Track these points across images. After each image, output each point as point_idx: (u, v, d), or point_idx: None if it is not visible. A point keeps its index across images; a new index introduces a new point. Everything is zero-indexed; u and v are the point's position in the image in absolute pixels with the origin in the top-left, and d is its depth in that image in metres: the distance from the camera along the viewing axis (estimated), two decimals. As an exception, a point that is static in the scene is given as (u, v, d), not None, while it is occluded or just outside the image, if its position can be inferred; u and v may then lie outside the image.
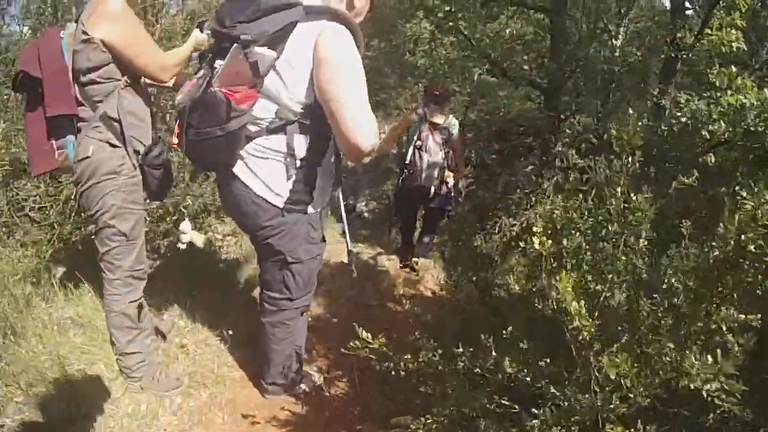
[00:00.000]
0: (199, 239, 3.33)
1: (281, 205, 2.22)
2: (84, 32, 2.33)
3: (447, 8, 6.49)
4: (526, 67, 7.70)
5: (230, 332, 3.30)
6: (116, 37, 2.32)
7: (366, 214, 9.25)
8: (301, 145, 2.15)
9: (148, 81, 2.59)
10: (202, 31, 2.67)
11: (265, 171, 2.18)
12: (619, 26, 7.01)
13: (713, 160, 5.26)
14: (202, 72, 2.12)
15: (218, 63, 2.07)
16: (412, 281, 4.67)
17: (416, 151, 4.62)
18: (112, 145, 2.45)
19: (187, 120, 2.10)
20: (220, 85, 2.01)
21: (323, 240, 2.51)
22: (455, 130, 4.73)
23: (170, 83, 2.63)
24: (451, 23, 6.72)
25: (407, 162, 4.68)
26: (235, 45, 1.96)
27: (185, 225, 3.23)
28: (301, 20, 1.97)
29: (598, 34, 6.69)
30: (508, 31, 7.79)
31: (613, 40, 6.88)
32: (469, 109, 8.67)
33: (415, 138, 4.61)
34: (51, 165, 2.48)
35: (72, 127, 2.44)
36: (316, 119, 2.09)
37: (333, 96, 1.97)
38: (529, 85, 7.00)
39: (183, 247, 3.26)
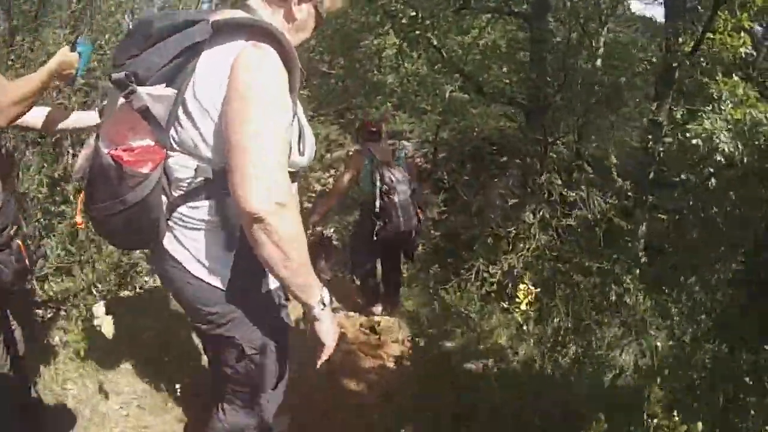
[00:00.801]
0: (109, 328, 2.80)
1: (223, 287, 1.66)
2: None
3: (413, 13, 5.83)
4: (506, 81, 7.08)
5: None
6: None
7: (336, 242, 8.58)
8: (233, 209, 1.53)
9: None
10: (74, 49, 1.94)
11: (198, 244, 1.65)
12: (599, 35, 6.40)
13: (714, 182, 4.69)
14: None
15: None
16: (372, 346, 3.91)
17: (384, 196, 4.23)
18: None
19: (86, 194, 1.61)
20: (109, 145, 1.51)
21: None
22: (404, 153, 4.56)
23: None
24: (418, 33, 6.12)
25: (378, 211, 4.24)
26: (111, 89, 1.48)
27: (98, 308, 2.75)
28: (208, 41, 1.46)
29: (582, 44, 6.07)
30: (482, 42, 7.18)
31: (596, 50, 6.28)
32: (441, 128, 8.15)
33: (378, 183, 4.22)
34: None
35: None
36: None
37: (231, 134, 1.43)
38: (508, 102, 6.36)
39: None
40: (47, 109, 2.21)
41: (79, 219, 1.74)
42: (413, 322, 4.29)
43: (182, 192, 1.60)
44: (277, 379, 1.91)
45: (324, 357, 1.66)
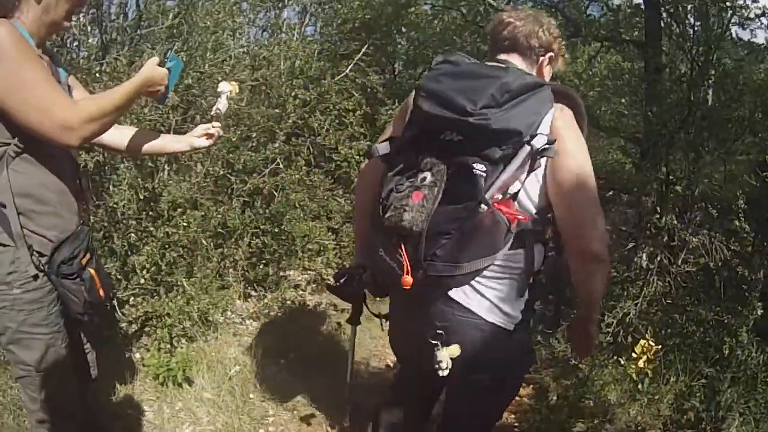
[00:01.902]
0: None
1: (512, 331, 1.72)
2: None
3: None
4: (622, 113, 6.60)
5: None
6: None
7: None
8: (540, 256, 1.72)
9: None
10: (164, 63, 1.81)
11: (500, 292, 1.69)
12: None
13: None
14: (425, 176, 1.51)
15: (429, 161, 1.51)
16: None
17: None
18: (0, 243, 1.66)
19: (424, 249, 1.50)
20: (494, 200, 1.52)
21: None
22: None
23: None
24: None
25: None
26: (526, 148, 1.50)
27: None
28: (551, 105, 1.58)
29: (705, 74, 5.51)
30: (593, 71, 6.75)
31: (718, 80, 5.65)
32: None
33: None
34: None
35: None
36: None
37: (576, 189, 1.59)
38: (624, 137, 5.89)
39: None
40: (132, 129, 2.12)
41: (408, 280, 1.52)
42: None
43: None
44: None
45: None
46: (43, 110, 1.58)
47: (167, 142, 2.17)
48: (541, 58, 1.77)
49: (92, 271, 1.85)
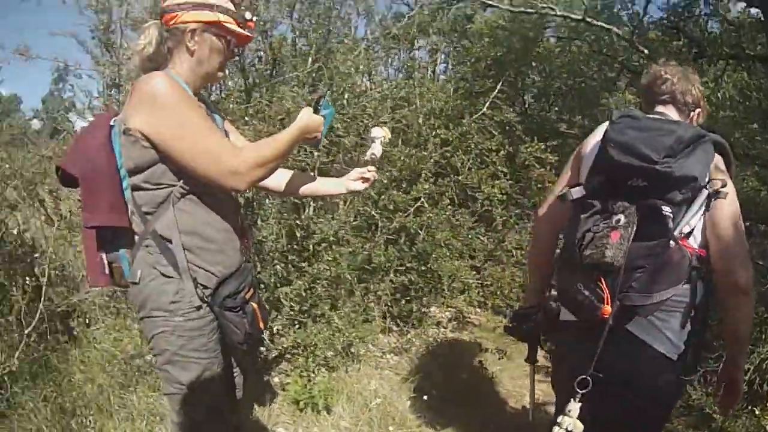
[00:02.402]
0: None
1: (675, 358, 1.84)
2: (123, 121, 1.71)
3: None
4: (758, 138, 6.10)
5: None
6: (157, 127, 1.67)
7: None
8: (701, 292, 1.85)
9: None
10: (317, 110, 1.88)
11: (669, 324, 1.83)
12: None
13: None
14: (618, 218, 1.73)
15: (621, 204, 1.73)
16: None
17: None
18: (165, 275, 1.77)
19: (621, 282, 1.72)
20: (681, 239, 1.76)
21: None
22: None
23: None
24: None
25: None
26: (704, 192, 1.75)
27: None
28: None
29: None
30: (720, 94, 6.30)
31: None
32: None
33: None
34: (102, 281, 1.89)
35: (126, 239, 1.84)
36: None
37: (733, 229, 1.78)
38: (758, 164, 5.45)
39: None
40: (289, 172, 2.20)
41: (609, 308, 1.71)
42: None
43: None
44: None
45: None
46: (209, 156, 1.68)
47: (324, 185, 2.24)
48: (692, 113, 1.99)
49: (254, 305, 1.94)
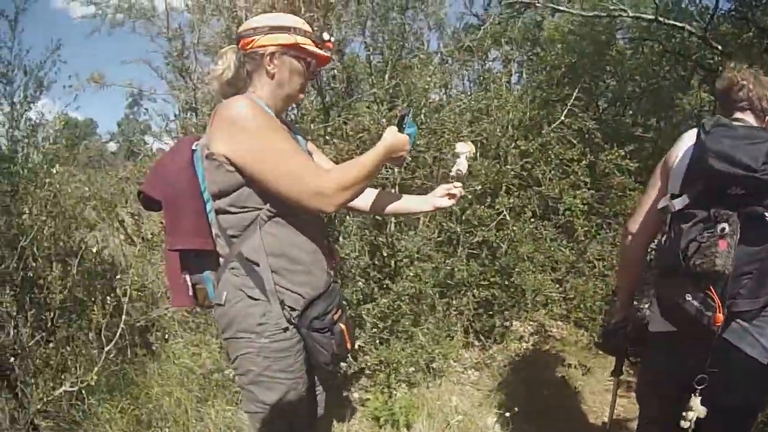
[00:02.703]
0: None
1: (765, 362, 1.86)
2: (206, 146, 1.73)
3: (732, 64, 5.08)
4: None
5: None
6: (240, 151, 1.67)
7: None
8: None
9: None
10: (402, 129, 1.86)
11: (759, 327, 1.86)
12: None
13: None
14: (723, 227, 1.75)
15: (724, 213, 1.75)
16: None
17: None
18: (251, 297, 1.78)
19: (729, 289, 1.78)
20: None
21: None
22: None
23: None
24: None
25: None
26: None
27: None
28: None
29: None
30: None
31: None
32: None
33: None
34: (186, 302, 1.91)
35: (210, 261, 1.86)
36: None
37: None
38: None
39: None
40: (374, 191, 2.18)
41: (721, 316, 1.74)
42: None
43: None
44: None
45: None
46: (295, 178, 1.67)
47: (410, 203, 2.21)
48: (767, 117, 1.99)
49: (342, 326, 1.92)
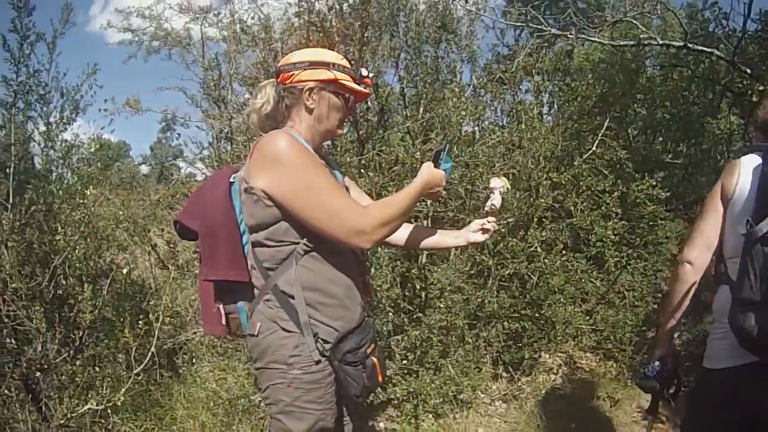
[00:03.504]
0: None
1: None
2: (245, 179, 1.76)
3: (761, 88, 5.07)
4: None
5: None
6: (281, 186, 1.69)
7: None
8: None
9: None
10: (438, 164, 1.89)
11: None
12: None
13: None
14: None
15: None
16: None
17: None
18: (285, 329, 1.79)
19: None
20: None
21: None
22: None
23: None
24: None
25: None
26: None
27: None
28: None
29: None
30: None
31: None
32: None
33: None
34: (218, 330, 1.93)
35: (244, 292, 1.88)
36: None
37: None
38: None
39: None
40: (410, 226, 2.19)
41: None
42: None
43: None
44: None
45: None
46: (334, 215, 1.68)
47: (445, 238, 2.21)
48: None
49: (375, 359, 1.90)
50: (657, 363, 2.20)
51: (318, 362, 1.80)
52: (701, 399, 2.17)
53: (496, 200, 2.11)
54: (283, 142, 1.69)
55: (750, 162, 1.92)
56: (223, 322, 1.91)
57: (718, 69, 5.81)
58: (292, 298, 1.78)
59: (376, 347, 1.96)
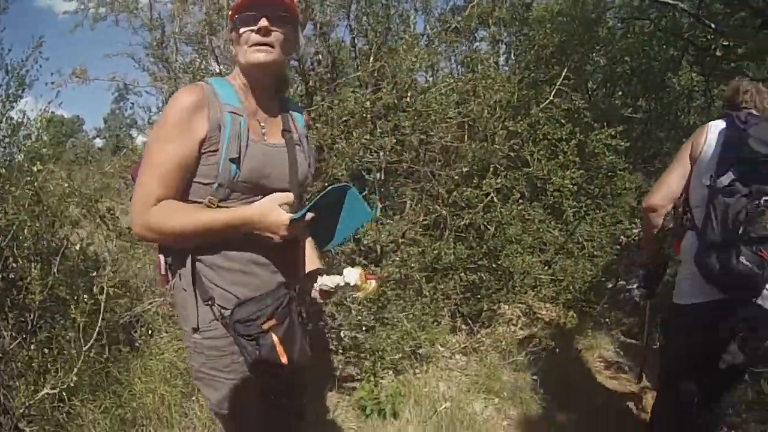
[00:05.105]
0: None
1: None
2: None
3: (725, 43, 5.06)
4: None
5: None
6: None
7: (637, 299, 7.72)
8: None
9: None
10: (318, 207, 1.59)
11: None
12: None
13: None
14: (766, 198, 2.14)
15: (765, 188, 2.14)
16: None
17: None
18: (184, 288, 1.68)
19: None
20: None
21: None
22: None
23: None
24: (732, 66, 5.32)
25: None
26: None
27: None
28: None
29: None
30: None
31: None
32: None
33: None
34: (162, 281, 1.82)
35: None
36: None
37: None
38: None
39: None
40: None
41: None
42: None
43: None
44: None
45: None
46: (136, 191, 1.62)
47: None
48: None
49: (275, 338, 1.68)
50: (640, 270, 2.79)
51: (215, 327, 1.68)
52: (673, 328, 2.58)
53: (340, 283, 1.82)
54: (171, 100, 1.61)
55: (716, 126, 2.32)
56: (163, 272, 1.77)
57: (682, 23, 5.79)
58: (186, 255, 1.66)
59: (283, 324, 1.72)
